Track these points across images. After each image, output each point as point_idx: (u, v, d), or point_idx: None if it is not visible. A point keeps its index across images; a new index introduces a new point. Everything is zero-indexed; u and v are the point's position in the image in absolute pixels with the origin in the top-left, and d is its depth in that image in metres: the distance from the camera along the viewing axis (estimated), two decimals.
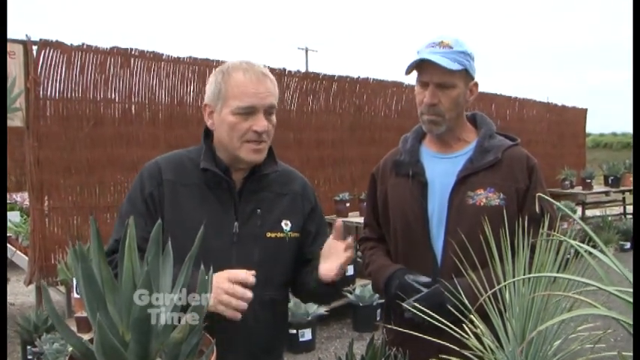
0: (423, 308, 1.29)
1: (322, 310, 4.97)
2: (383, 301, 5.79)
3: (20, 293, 6.00)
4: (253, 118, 1.55)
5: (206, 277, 1.11)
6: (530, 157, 1.82)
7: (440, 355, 1.13)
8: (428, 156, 1.86)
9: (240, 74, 1.56)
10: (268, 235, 1.60)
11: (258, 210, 1.60)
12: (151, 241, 1.08)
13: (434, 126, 1.78)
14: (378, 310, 5.40)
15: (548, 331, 1.05)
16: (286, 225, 1.63)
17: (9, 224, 6.27)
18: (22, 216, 6.33)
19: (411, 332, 1.32)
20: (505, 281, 1.12)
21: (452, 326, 1.15)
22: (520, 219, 1.18)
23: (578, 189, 9.69)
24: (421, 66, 1.75)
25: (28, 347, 4.28)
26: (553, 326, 1.06)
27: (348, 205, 6.16)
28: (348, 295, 5.31)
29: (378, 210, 1.92)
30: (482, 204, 1.72)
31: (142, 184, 1.60)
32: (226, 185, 1.60)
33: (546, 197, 1.26)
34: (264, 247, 1.59)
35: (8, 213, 6.62)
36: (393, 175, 1.88)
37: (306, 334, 4.81)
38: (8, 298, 5.78)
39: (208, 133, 1.65)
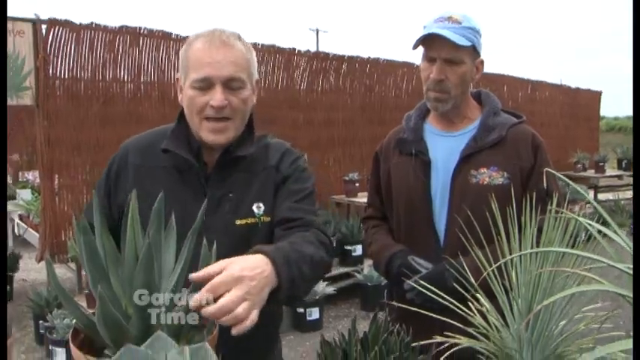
0: (426, 285, 1.27)
1: (330, 289, 4.99)
2: None
3: (32, 270, 6.07)
4: (211, 92, 1.38)
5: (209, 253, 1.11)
6: (535, 135, 1.79)
7: (444, 333, 1.12)
8: (431, 134, 1.83)
9: (199, 43, 1.40)
10: (238, 222, 1.44)
11: (230, 194, 1.45)
12: (154, 215, 1.07)
13: (439, 103, 1.75)
14: (386, 290, 5.41)
15: (555, 309, 1.04)
16: (258, 208, 1.46)
17: (21, 202, 6.34)
18: (33, 194, 6.38)
19: (414, 309, 1.31)
20: (511, 259, 1.11)
21: (456, 303, 1.14)
22: (526, 197, 1.16)
23: (590, 172, 9.62)
24: (429, 41, 1.71)
25: (40, 322, 4.34)
26: (560, 304, 1.04)
27: (357, 185, 6.13)
28: (357, 274, 5.33)
29: (381, 189, 1.91)
30: (485, 183, 1.69)
31: (110, 168, 1.53)
32: (196, 168, 1.45)
33: (554, 172, 1.23)
34: (233, 237, 1.40)
35: (20, 191, 6.69)
36: (396, 154, 1.86)
37: (314, 313, 4.83)
38: (21, 274, 5.85)
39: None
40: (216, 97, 1.37)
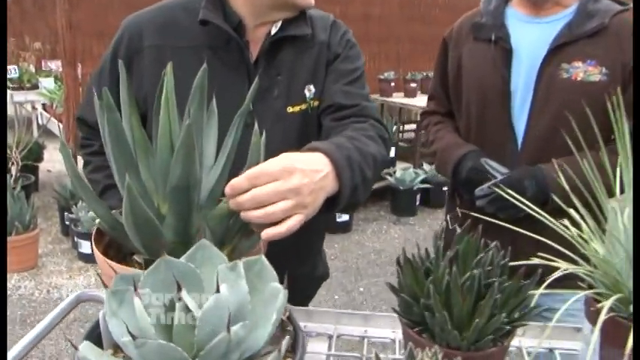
0: (505, 188, 1.05)
1: None
2: (424, 186, 5.60)
3: (57, 161, 5.99)
4: None
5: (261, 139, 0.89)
6: None
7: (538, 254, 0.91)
8: (515, 19, 1.54)
9: None
10: (289, 110, 1.23)
11: (279, 76, 1.22)
12: (195, 91, 0.85)
13: None
14: (418, 195, 5.28)
15: None
16: (309, 91, 1.25)
17: (44, 91, 6.17)
18: (56, 82, 6.20)
19: (486, 219, 1.12)
20: (620, 167, 0.88)
21: (548, 217, 0.92)
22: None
23: None
24: None
25: (66, 213, 4.28)
26: None
27: (392, 84, 5.82)
28: (388, 177, 5.16)
29: (448, 80, 1.64)
30: (578, 79, 1.42)
31: (116, 50, 1.23)
32: (236, 45, 1.19)
33: None
34: (284, 128, 1.22)
35: (43, 80, 6.51)
36: (470, 40, 1.57)
37: (343, 215, 4.71)
38: (46, 165, 5.79)
39: None
40: None
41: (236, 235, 0.88)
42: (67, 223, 4.23)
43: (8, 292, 3.57)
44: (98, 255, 0.84)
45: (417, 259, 0.84)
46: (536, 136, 1.44)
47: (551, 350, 1.12)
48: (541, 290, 0.83)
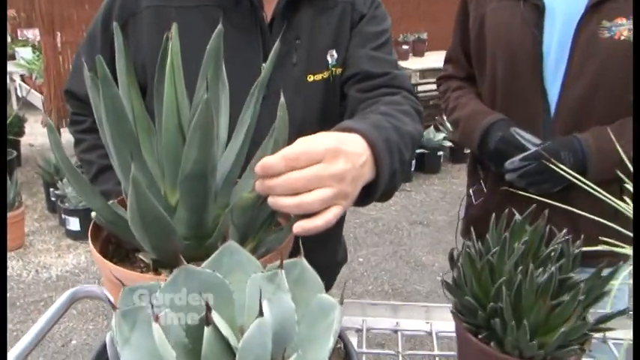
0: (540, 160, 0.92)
1: None
2: (419, 151, 5.43)
3: (39, 134, 5.78)
4: None
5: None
6: None
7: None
8: None
9: None
10: (310, 78, 1.09)
11: (298, 40, 1.07)
12: (209, 56, 0.71)
13: None
14: (413, 161, 5.16)
15: None
16: (332, 57, 1.10)
17: (21, 62, 5.91)
18: (34, 52, 5.93)
19: (514, 191, 1.00)
20: None
21: (599, 189, 0.79)
22: None
23: None
24: None
25: (51, 190, 4.12)
26: None
27: None
28: None
29: (468, 42, 1.49)
30: (622, 38, 1.26)
31: (108, 12, 1.07)
32: (248, 4, 1.04)
33: None
34: (305, 99, 1.08)
35: (20, 50, 6.24)
36: None
37: None
38: (27, 139, 5.58)
39: None
40: None
41: (261, 227, 0.75)
42: (53, 199, 4.07)
43: None
44: (97, 257, 0.71)
45: (473, 250, 0.72)
46: (572, 102, 1.30)
47: (604, 341, 1.02)
48: (619, 282, 0.73)
